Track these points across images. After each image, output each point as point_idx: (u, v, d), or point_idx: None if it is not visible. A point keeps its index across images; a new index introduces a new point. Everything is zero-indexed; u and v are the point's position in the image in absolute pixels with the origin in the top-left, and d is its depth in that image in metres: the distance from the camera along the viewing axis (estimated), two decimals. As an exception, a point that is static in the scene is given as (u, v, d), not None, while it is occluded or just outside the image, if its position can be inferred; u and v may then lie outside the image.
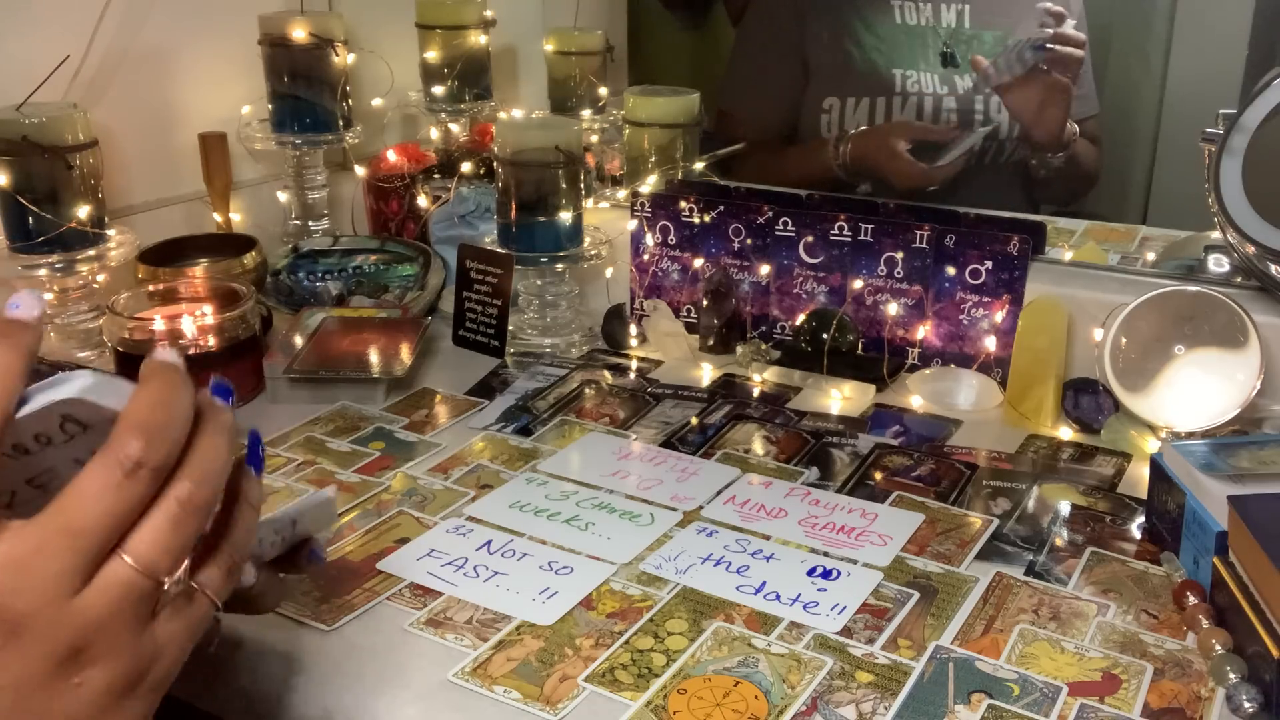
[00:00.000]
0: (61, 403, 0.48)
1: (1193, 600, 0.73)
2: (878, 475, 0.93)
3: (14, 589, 0.45)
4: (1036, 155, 1.44)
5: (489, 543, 0.82)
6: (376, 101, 1.46)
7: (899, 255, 1.13)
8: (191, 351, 1.03)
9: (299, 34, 1.30)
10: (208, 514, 0.50)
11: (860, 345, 1.15)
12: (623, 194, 1.33)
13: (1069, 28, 1.37)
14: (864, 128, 1.47)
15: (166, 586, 0.48)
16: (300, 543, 0.65)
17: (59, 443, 0.49)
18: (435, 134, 1.48)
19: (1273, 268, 0.98)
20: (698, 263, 1.22)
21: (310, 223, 1.40)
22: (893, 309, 1.14)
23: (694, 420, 1.03)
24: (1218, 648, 0.68)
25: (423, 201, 1.39)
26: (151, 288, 1.11)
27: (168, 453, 0.48)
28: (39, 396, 0.48)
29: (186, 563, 0.49)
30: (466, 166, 1.37)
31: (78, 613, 0.46)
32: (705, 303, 1.18)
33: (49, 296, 1.15)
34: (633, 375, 1.14)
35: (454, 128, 1.47)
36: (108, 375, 0.51)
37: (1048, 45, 1.36)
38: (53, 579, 0.45)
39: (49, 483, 0.49)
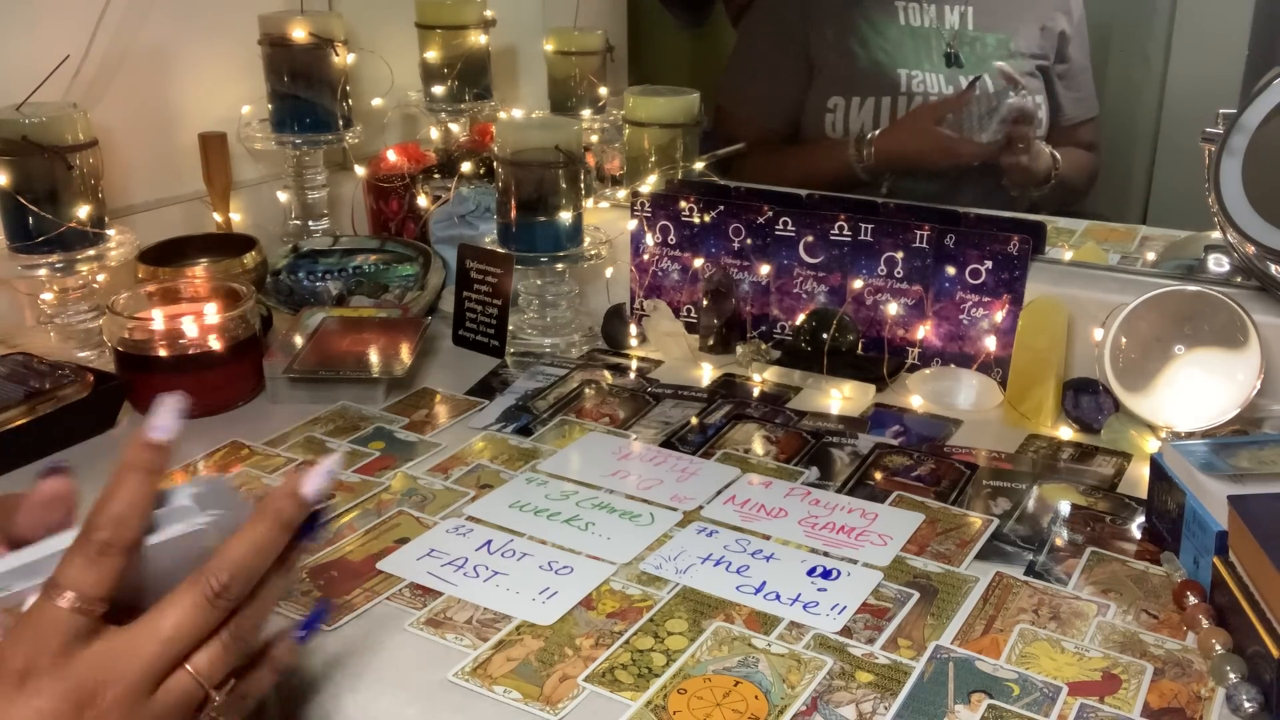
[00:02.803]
0: (189, 535, 0.57)
1: (1193, 600, 0.73)
2: (878, 475, 0.93)
3: (106, 680, 0.52)
4: (1020, 192, 1.45)
5: (489, 543, 0.82)
6: (376, 101, 1.46)
7: (899, 255, 1.13)
8: (192, 351, 1.03)
9: (299, 34, 1.30)
10: (252, 645, 0.59)
11: (860, 345, 1.15)
12: (623, 194, 1.34)
13: (1022, 98, 1.42)
14: (880, 128, 1.48)
15: (216, 700, 0.56)
16: None
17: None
18: (435, 134, 1.48)
19: (1273, 268, 0.98)
20: (698, 263, 1.22)
21: (310, 223, 1.40)
22: (893, 309, 1.14)
23: (694, 420, 1.03)
24: (1218, 648, 0.68)
25: (423, 201, 1.39)
26: (151, 288, 1.11)
27: (244, 590, 0.56)
28: (167, 527, 0.56)
29: (233, 682, 0.57)
30: (466, 166, 1.37)
31: (148, 709, 0.54)
32: (705, 303, 1.18)
33: (48, 296, 1.15)
34: (633, 375, 1.14)
35: (454, 128, 1.47)
36: (223, 497, 0.58)
37: (1002, 121, 1.41)
38: (137, 676, 0.53)
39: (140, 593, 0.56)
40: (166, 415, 0.57)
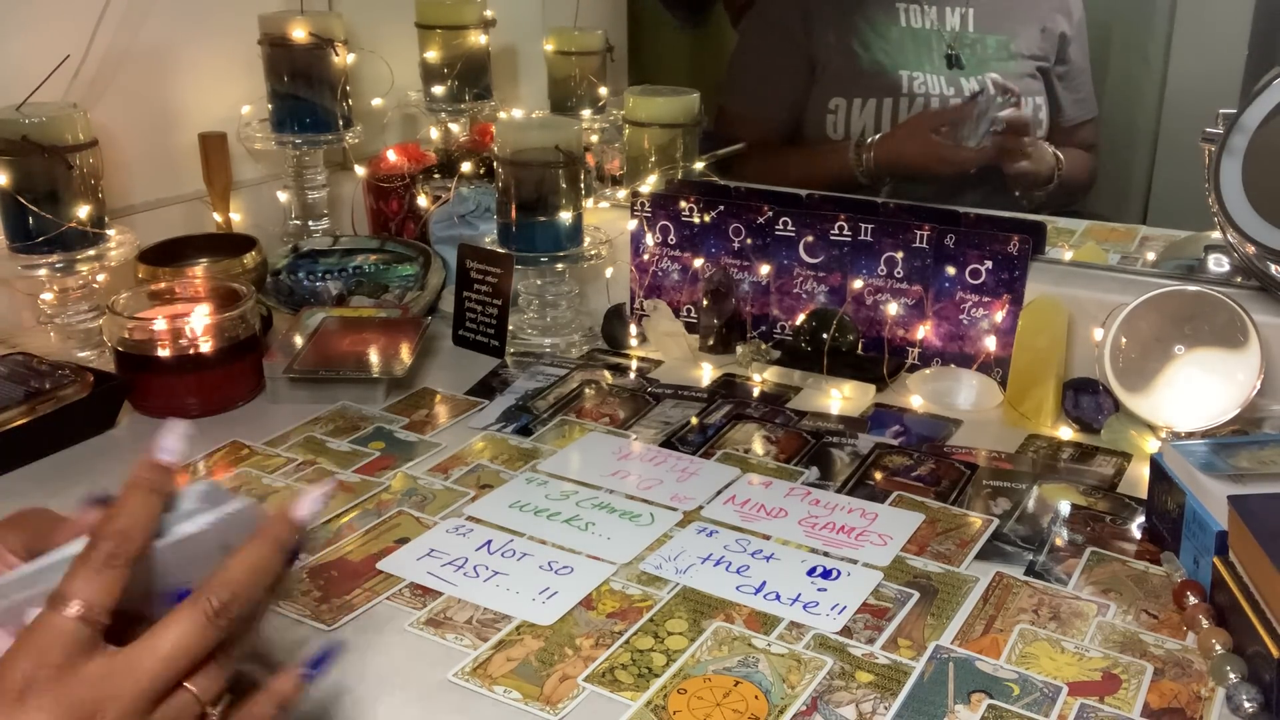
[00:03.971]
0: (194, 537, 0.57)
1: (1193, 600, 0.73)
2: (878, 475, 0.93)
3: (106, 697, 0.52)
4: (1023, 194, 1.46)
5: (489, 543, 0.82)
6: (376, 101, 1.46)
7: (899, 255, 1.13)
8: (192, 351, 1.03)
9: (299, 34, 1.30)
10: (235, 661, 0.57)
11: (860, 345, 1.15)
12: (623, 194, 1.34)
13: (1013, 109, 1.44)
14: (881, 133, 1.49)
15: (213, 716, 0.55)
16: None
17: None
18: (435, 134, 1.48)
19: (1273, 268, 0.98)
20: (698, 263, 1.22)
21: (310, 223, 1.40)
22: (893, 309, 1.14)
23: (694, 420, 1.03)
24: (1218, 648, 0.68)
25: (423, 201, 1.39)
26: (151, 288, 1.11)
27: (243, 610, 0.56)
28: (174, 529, 0.56)
29: (228, 697, 0.56)
30: (466, 166, 1.37)
31: None
32: (705, 303, 1.18)
33: (48, 296, 1.15)
34: (633, 375, 1.14)
35: (454, 128, 1.47)
36: (231, 505, 0.58)
37: (996, 131, 1.43)
38: (137, 694, 0.52)
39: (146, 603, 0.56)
40: (173, 438, 0.57)
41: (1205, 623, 0.70)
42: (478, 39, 1.44)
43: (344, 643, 0.64)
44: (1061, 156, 1.47)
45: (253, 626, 0.58)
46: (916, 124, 1.48)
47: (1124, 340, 0.98)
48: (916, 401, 1.07)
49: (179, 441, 0.57)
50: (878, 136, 1.48)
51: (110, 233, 1.16)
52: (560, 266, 1.20)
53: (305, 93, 1.32)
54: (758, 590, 0.76)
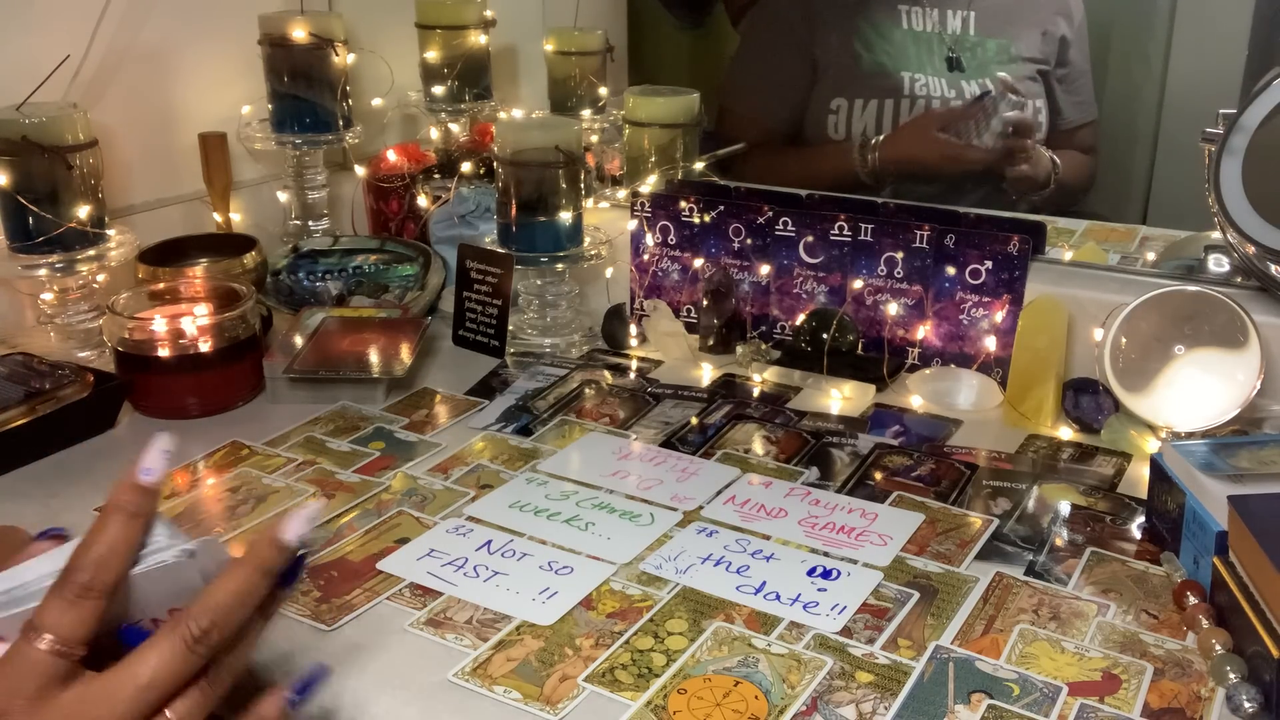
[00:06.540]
0: (171, 567, 0.55)
1: (1193, 600, 0.73)
2: (878, 475, 0.93)
3: None
4: (1020, 198, 1.46)
5: (489, 543, 0.82)
6: (376, 101, 1.46)
7: (899, 255, 1.13)
8: (192, 351, 1.03)
9: (299, 34, 1.30)
10: (225, 691, 0.56)
11: (860, 345, 1.15)
12: (623, 194, 1.34)
13: (1018, 110, 1.45)
14: (884, 133, 1.49)
15: None
16: None
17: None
18: (435, 134, 1.48)
19: (1273, 268, 0.98)
20: (698, 263, 1.22)
21: (310, 223, 1.40)
22: (893, 309, 1.14)
23: (694, 420, 1.03)
24: (1218, 648, 0.68)
25: (423, 201, 1.39)
26: (151, 288, 1.11)
27: (225, 637, 0.54)
28: (149, 558, 0.55)
29: None
30: (466, 166, 1.37)
31: None
32: (705, 303, 1.18)
33: (48, 296, 1.15)
34: (633, 375, 1.14)
35: (454, 128, 1.47)
36: (200, 541, 0.57)
37: (1001, 133, 1.44)
38: None
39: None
40: (155, 458, 0.55)
41: (1205, 623, 0.70)
42: (478, 39, 1.44)
43: (330, 668, 0.62)
44: (1058, 160, 1.48)
45: (242, 652, 0.56)
46: (922, 124, 1.48)
47: (1124, 340, 0.98)
48: (916, 401, 1.07)
49: (161, 460, 0.55)
50: (883, 137, 1.49)
51: (110, 233, 1.16)
52: (560, 266, 1.20)
53: (305, 93, 1.32)
54: (758, 590, 0.76)
